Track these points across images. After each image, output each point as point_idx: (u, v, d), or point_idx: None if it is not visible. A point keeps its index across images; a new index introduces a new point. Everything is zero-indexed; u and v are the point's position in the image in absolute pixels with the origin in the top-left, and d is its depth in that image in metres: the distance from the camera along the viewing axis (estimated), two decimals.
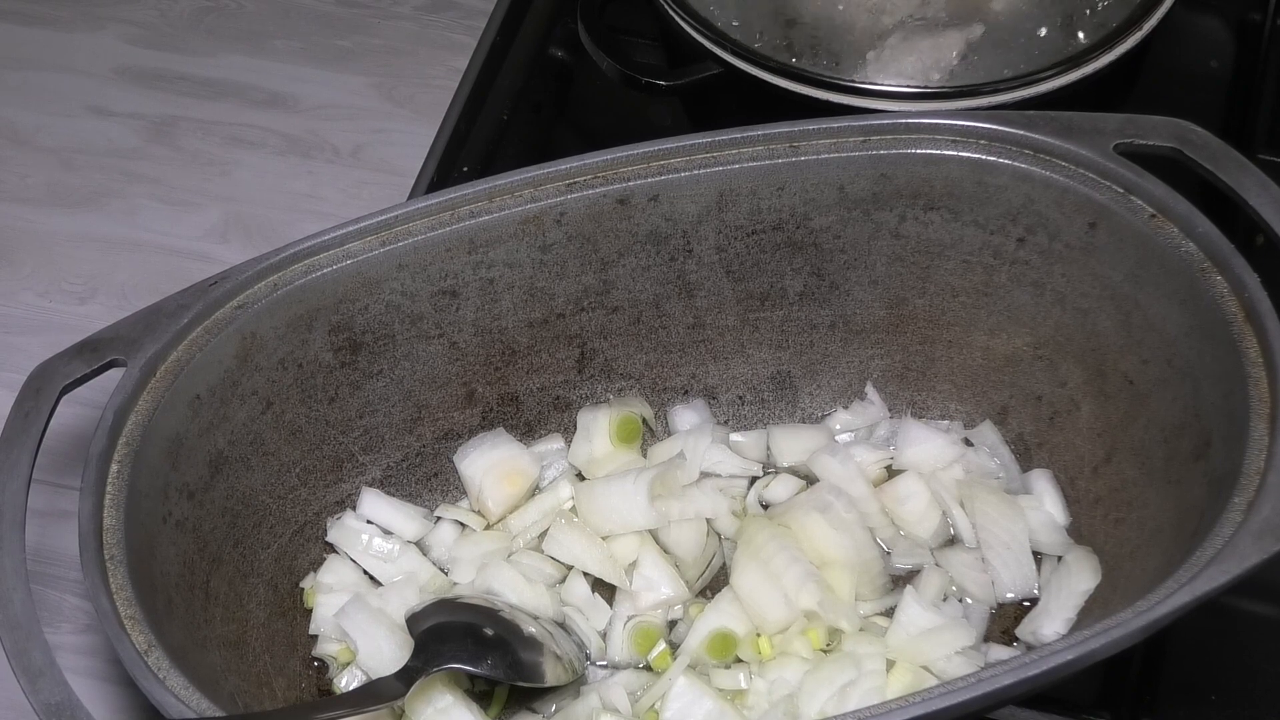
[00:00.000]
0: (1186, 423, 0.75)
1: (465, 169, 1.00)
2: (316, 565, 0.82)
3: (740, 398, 0.87)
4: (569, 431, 0.86)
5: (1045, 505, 0.82)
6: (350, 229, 0.78)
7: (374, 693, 0.70)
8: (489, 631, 0.73)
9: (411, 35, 1.17)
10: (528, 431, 0.86)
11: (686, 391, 0.87)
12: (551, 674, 0.74)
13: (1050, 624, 0.77)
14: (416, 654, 0.71)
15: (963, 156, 0.80)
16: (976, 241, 0.82)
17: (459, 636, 0.73)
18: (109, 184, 1.09)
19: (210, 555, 0.76)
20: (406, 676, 0.70)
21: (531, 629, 0.75)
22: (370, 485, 0.84)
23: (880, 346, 0.86)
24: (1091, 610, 0.77)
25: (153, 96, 1.14)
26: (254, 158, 1.10)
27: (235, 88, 1.14)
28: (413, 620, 0.74)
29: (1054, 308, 0.81)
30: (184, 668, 0.66)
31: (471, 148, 1.01)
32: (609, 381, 0.86)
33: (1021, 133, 0.78)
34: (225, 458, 0.77)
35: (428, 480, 0.85)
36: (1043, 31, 0.94)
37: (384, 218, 0.79)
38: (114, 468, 0.71)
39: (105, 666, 0.86)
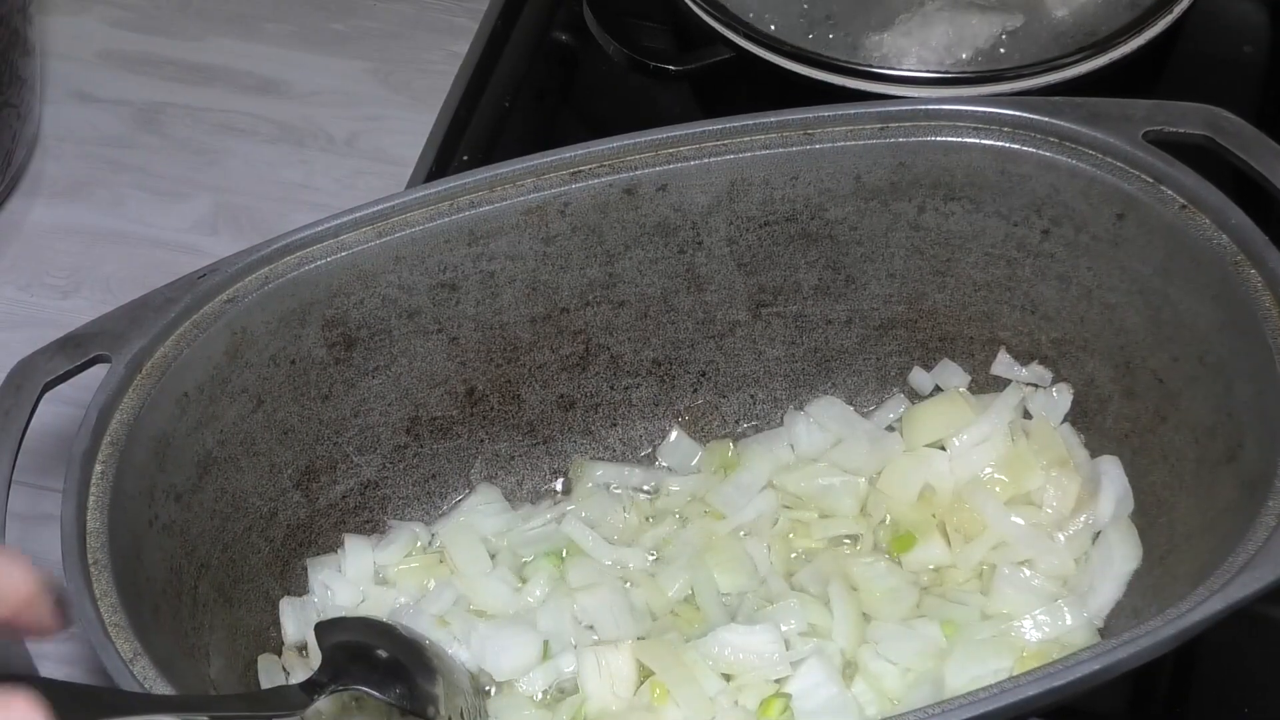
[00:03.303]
0: (1218, 423, 0.73)
1: (465, 158, 1.00)
2: (308, 572, 0.81)
3: (752, 396, 0.86)
4: (572, 432, 0.85)
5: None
6: (345, 220, 0.78)
7: (275, 698, 0.69)
8: (384, 654, 0.72)
9: (409, 18, 1.16)
10: (530, 431, 0.84)
11: (695, 389, 0.85)
12: (443, 711, 0.72)
13: (1097, 600, 0.76)
14: (324, 668, 0.69)
15: (985, 144, 0.79)
16: (999, 233, 0.81)
17: (366, 656, 0.71)
18: (94, 173, 1.08)
19: (198, 560, 0.75)
20: (310, 689, 0.68)
21: (434, 663, 0.73)
22: (361, 501, 0.82)
23: (899, 343, 0.85)
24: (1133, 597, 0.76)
25: (139, 82, 1.13)
26: (245, 146, 1.09)
27: (225, 73, 1.13)
28: (322, 631, 0.72)
29: (1080, 302, 0.80)
30: (171, 677, 0.65)
31: (472, 135, 1.01)
32: (614, 379, 0.85)
33: (1046, 120, 0.78)
34: (214, 458, 0.76)
35: (425, 482, 0.84)
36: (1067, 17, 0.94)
37: (380, 208, 0.78)
38: (98, 469, 0.70)
39: (89, 676, 0.84)
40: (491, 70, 1.04)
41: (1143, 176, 0.76)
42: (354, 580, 0.80)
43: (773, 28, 0.94)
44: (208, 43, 1.15)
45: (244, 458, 0.77)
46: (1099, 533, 0.78)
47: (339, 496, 0.82)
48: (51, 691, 0.60)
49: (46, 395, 0.72)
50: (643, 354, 0.84)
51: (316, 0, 1.17)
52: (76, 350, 0.73)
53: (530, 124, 1.04)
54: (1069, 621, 0.75)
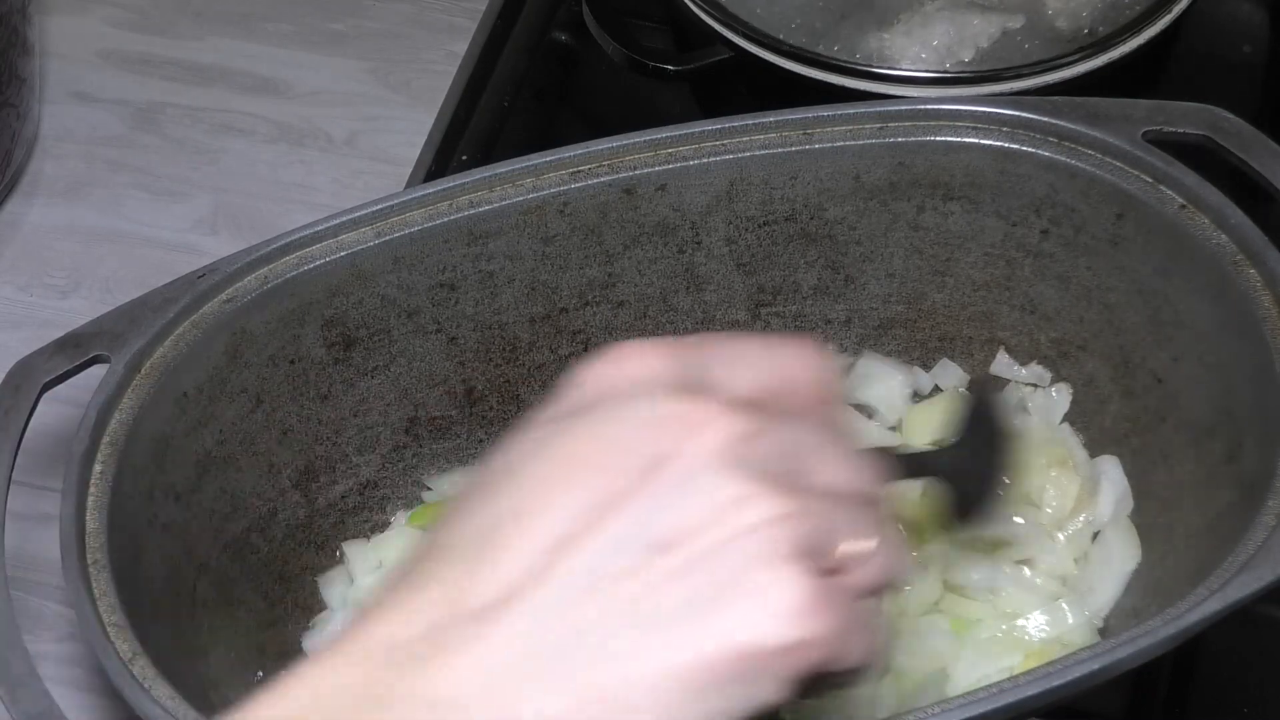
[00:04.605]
0: (1218, 423, 0.73)
1: (464, 157, 0.99)
2: (308, 571, 0.81)
3: None
4: None
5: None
6: (344, 219, 0.77)
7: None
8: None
9: (408, 18, 1.16)
10: None
11: None
12: None
13: (1096, 600, 0.76)
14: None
15: (984, 144, 0.78)
16: (998, 233, 0.80)
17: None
18: (92, 173, 1.08)
19: (197, 560, 0.74)
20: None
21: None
22: (360, 501, 0.82)
23: (898, 343, 0.85)
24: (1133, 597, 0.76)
25: (138, 82, 1.12)
26: (244, 146, 1.09)
27: (224, 73, 1.13)
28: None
29: (1079, 302, 0.80)
30: (171, 677, 0.64)
31: (471, 135, 1.00)
32: None
33: (1046, 119, 0.77)
34: (213, 458, 0.76)
35: (425, 483, 0.84)
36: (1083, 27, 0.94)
37: (379, 208, 0.77)
38: (97, 469, 0.70)
39: (88, 676, 0.84)
40: (491, 70, 1.04)
41: (1142, 176, 0.76)
42: (365, 588, 0.80)
43: (772, 27, 0.93)
44: (207, 43, 1.15)
45: (243, 458, 0.77)
46: (1098, 532, 0.78)
47: (338, 496, 0.82)
48: None
49: (45, 395, 0.72)
50: None
51: (316, 0, 1.17)
52: (75, 350, 0.73)
53: (529, 124, 1.03)
54: (1070, 621, 0.75)
